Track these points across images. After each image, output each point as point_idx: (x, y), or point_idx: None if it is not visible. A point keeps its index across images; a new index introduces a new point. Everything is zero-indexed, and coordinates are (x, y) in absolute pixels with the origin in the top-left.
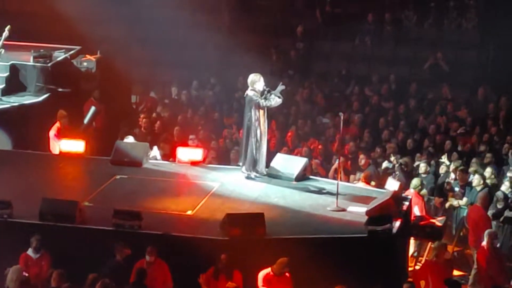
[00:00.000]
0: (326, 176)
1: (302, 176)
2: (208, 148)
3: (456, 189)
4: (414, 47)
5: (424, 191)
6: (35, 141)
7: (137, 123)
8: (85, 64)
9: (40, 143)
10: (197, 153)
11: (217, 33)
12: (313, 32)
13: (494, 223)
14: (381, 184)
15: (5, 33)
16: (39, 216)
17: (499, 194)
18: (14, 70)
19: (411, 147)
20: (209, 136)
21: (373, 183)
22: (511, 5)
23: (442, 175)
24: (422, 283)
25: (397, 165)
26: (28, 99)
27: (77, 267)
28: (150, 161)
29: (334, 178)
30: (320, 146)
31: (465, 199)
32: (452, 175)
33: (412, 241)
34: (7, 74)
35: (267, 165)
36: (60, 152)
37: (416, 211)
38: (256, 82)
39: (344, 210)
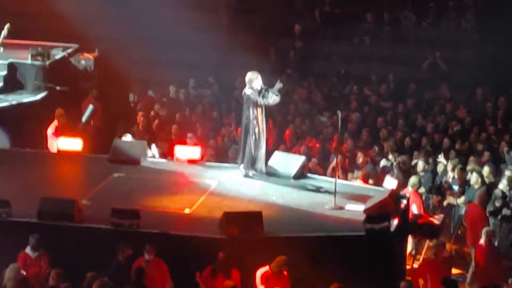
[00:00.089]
0: (324, 175)
1: (301, 174)
2: (206, 147)
3: (454, 187)
4: (413, 47)
5: (422, 189)
6: (33, 139)
7: (135, 121)
8: (83, 62)
9: (38, 142)
10: (195, 151)
11: (215, 33)
12: (312, 32)
13: (492, 221)
14: (379, 183)
15: (4, 32)
16: (37, 215)
17: (497, 192)
18: (12, 68)
19: (409, 146)
20: (207, 134)
21: (371, 181)
22: (510, 5)
23: (440, 173)
24: (421, 281)
25: (395, 164)
26: (26, 98)
27: (76, 266)
28: (148, 159)
29: (332, 177)
30: (317, 145)
31: (463, 197)
32: (450, 174)
33: (410, 239)
34: (5, 72)
35: (265, 163)
36: (58, 151)
37: (414, 209)
38: (253, 80)
39: (342, 208)
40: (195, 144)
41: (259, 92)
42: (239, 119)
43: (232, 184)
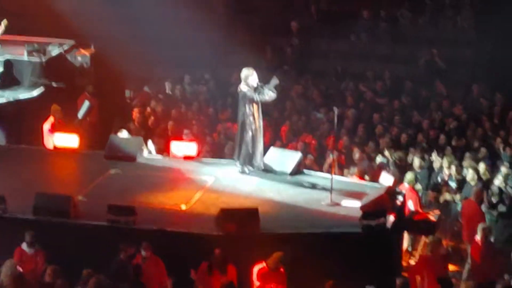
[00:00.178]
0: (321, 171)
1: (297, 171)
2: (202, 143)
3: (451, 183)
4: (410, 44)
5: (418, 186)
6: (29, 135)
7: (131, 117)
8: (79, 59)
9: (34, 138)
10: (191, 148)
11: (212, 30)
12: (309, 30)
13: (487, 217)
14: (375, 179)
15: (2, 28)
16: (33, 211)
17: (493, 188)
18: (8, 65)
19: (405, 142)
20: (204, 131)
21: (367, 177)
22: (507, 3)
23: (436, 169)
24: (418, 278)
25: (391, 160)
26: (22, 94)
27: (72, 262)
28: (144, 155)
29: (329, 173)
30: (314, 141)
31: (459, 193)
32: (446, 171)
33: (406, 236)
34: (1, 69)
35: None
36: (54, 147)
37: (411, 205)
38: (249, 76)
39: (338, 204)
40: (191, 140)
41: (255, 88)
42: (235, 116)
43: (228, 181)
